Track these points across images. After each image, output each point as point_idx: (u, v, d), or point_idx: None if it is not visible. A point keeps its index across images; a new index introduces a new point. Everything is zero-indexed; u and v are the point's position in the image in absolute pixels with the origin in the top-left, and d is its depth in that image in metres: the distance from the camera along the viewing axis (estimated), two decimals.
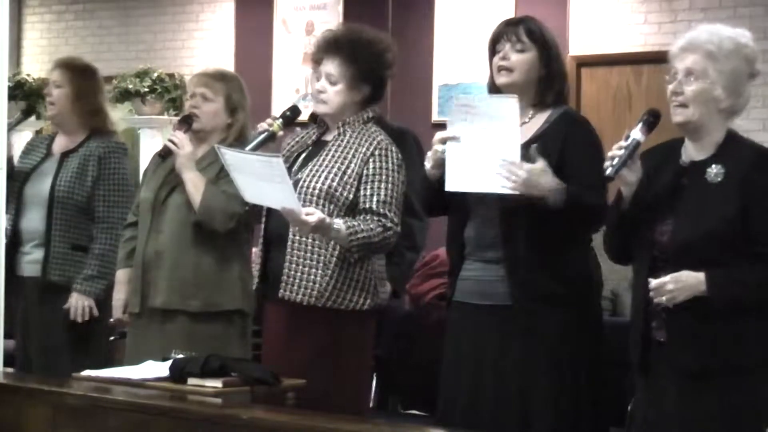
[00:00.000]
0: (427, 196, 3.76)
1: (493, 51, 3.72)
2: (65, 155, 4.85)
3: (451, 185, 3.56)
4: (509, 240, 3.56)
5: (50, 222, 4.76)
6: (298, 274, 3.78)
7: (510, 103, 3.42)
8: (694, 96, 3.22)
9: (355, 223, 3.72)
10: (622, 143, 3.24)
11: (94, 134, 4.89)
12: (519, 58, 3.65)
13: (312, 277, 3.77)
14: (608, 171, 3.23)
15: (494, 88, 3.74)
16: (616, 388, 3.66)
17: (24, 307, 4.77)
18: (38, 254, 4.77)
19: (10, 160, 4.72)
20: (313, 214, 3.60)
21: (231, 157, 3.73)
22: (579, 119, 3.70)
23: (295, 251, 3.79)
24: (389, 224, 3.77)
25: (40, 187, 4.80)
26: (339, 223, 3.68)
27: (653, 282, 3.15)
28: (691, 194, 3.22)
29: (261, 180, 3.65)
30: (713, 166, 3.21)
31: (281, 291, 3.79)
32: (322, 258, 3.77)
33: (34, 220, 4.78)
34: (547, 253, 3.53)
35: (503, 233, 3.57)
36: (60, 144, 4.93)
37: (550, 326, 3.53)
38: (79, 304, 4.70)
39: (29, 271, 4.78)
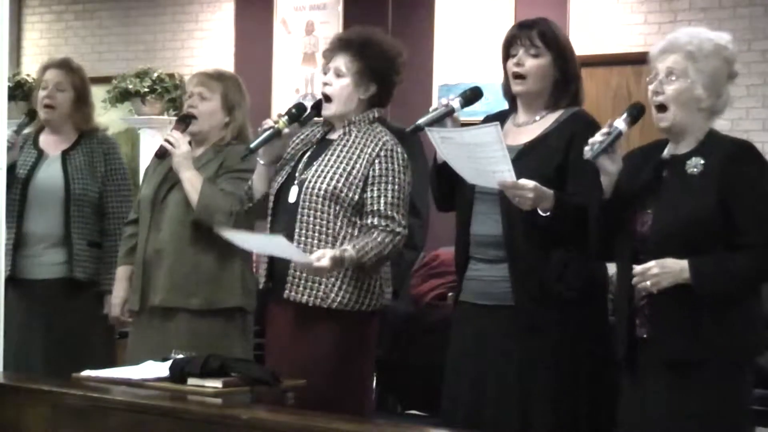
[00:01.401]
0: (438, 186, 3.77)
1: (506, 54, 3.71)
2: (66, 153, 4.84)
3: (471, 181, 3.57)
4: (511, 239, 3.56)
5: (68, 221, 4.75)
6: (304, 275, 3.76)
7: (490, 131, 3.38)
8: (675, 95, 3.24)
9: (364, 242, 3.71)
10: (605, 130, 3.26)
11: (86, 132, 4.90)
12: (533, 64, 3.64)
13: (317, 279, 3.75)
14: (587, 155, 3.24)
15: (510, 93, 3.75)
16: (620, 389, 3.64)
17: (36, 309, 4.75)
18: (53, 255, 4.75)
19: (13, 166, 4.72)
20: (323, 257, 3.61)
21: (238, 238, 3.81)
22: (588, 120, 3.66)
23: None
24: (397, 228, 3.76)
25: (49, 188, 4.77)
26: (349, 250, 3.68)
27: (638, 267, 3.16)
28: (671, 186, 3.24)
29: (265, 245, 3.79)
30: (693, 158, 3.23)
31: (287, 291, 3.78)
32: None
33: (46, 222, 4.75)
34: (548, 253, 3.53)
35: (505, 232, 3.57)
36: (50, 143, 4.89)
37: (551, 326, 3.53)
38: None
39: (45, 273, 4.75)
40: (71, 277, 4.73)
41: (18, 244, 4.72)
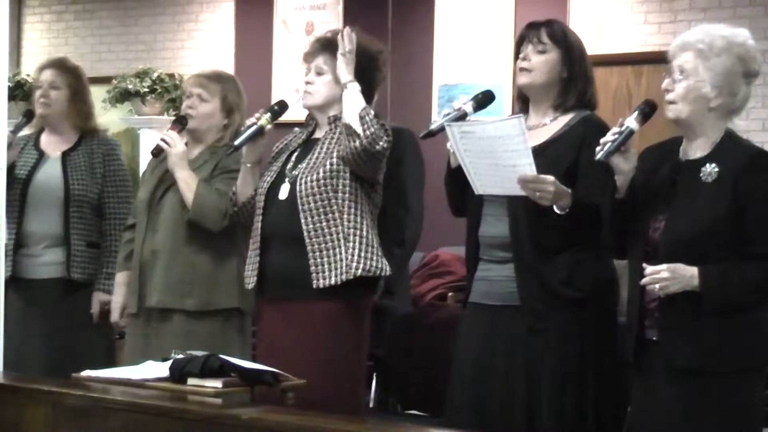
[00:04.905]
0: (452, 191, 3.77)
1: (517, 54, 3.72)
2: (66, 154, 4.85)
3: (480, 189, 3.57)
4: (518, 239, 3.56)
5: (67, 221, 4.75)
6: (325, 258, 3.76)
7: (513, 124, 3.39)
8: (683, 93, 3.22)
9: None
10: (616, 129, 3.25)
11: (86, 133, 4.90)
12: (539, 59, 3.65)
13: (338, 255, 3.74)
14: (599, 155, 3.23)
15: (522, 96, 3.77)
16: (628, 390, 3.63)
17: (35, 309, 4.74)
18: (53, 255, 4.75)
19: (12, 166, 4.72)
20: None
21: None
22: (599, 124, 3.64)
23: (314, 240, 3.77)
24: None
25: (48, 188, 4.77)
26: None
27: (648, 268, 3.14)
28: (685, 192, 3.22)
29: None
30: (707, 165, 3.21)
31: (315, 283, 3.76)
32: (341, 234, 3.75)
33: (45, 222, 4.75)
34: (555, 254, 3.53)
35: (512, 233, 3.57)
36: (50, 143, 4.89)
37: (557, 326, 3.53)
38: (103, 303, 4.71)
39: (44, 273, 4.75)
40: (69, 277, 4.74)
41: (18, 244, 4.73)
